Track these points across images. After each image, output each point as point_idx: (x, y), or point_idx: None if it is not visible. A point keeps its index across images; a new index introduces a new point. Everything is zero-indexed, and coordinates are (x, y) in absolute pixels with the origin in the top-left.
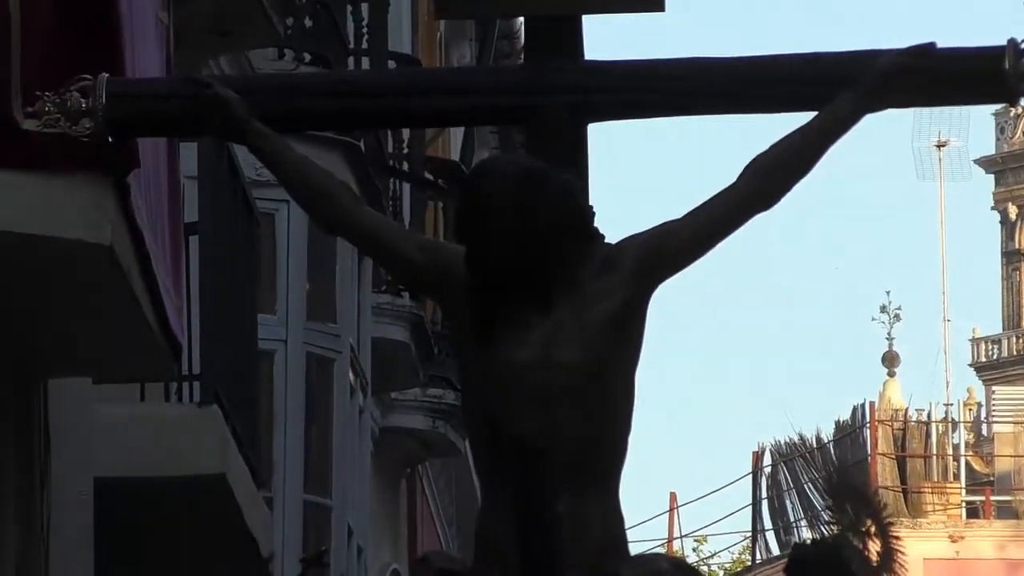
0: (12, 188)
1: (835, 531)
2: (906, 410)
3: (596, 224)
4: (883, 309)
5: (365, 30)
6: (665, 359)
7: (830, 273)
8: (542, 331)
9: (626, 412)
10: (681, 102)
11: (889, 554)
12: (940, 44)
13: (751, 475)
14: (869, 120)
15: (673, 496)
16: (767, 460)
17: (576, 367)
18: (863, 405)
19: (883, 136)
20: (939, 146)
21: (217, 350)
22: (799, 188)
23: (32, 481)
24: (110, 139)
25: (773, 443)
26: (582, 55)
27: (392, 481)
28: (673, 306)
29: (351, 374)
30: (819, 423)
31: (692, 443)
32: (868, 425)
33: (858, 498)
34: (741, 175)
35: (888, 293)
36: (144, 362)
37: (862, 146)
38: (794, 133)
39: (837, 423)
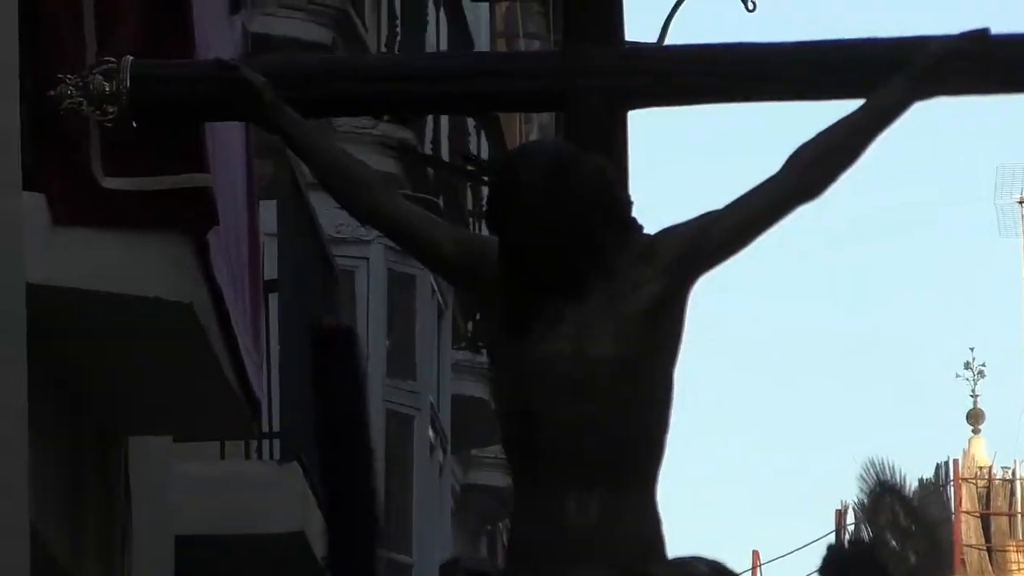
0: (92, 246)
1: (872, 531)
2: (990, 468)
3: (634, 214)
4: (967, 366)
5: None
6: (747, 414)
7: (914, 330)
8: (575, 323)
9: (663, 409)
10: (723, 88)
11: (926, 553)
12: (995, 30)
13: (834, 533)
14: (952, 177)
15: (756, 555)
16: (850, 518)
17: (610, 360)
18: (947, 463)
19: (966, 192)
20: (1021, 202)
21: (297, 407)
22: (884, 249)
23: (113, 538)
24: (134, 124)
25: (856, 500)
26: (622, 39)
27: (472, 538)
28: (751, 360)
29: (431, 431)
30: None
31: (775, 501)
32: (952, 483)
33: (896, 497)
34: (784, 166)
35: (972, 350)
36: (224, 420)
37: (944, 201)
38: (840, 122)
39: (921, 481)
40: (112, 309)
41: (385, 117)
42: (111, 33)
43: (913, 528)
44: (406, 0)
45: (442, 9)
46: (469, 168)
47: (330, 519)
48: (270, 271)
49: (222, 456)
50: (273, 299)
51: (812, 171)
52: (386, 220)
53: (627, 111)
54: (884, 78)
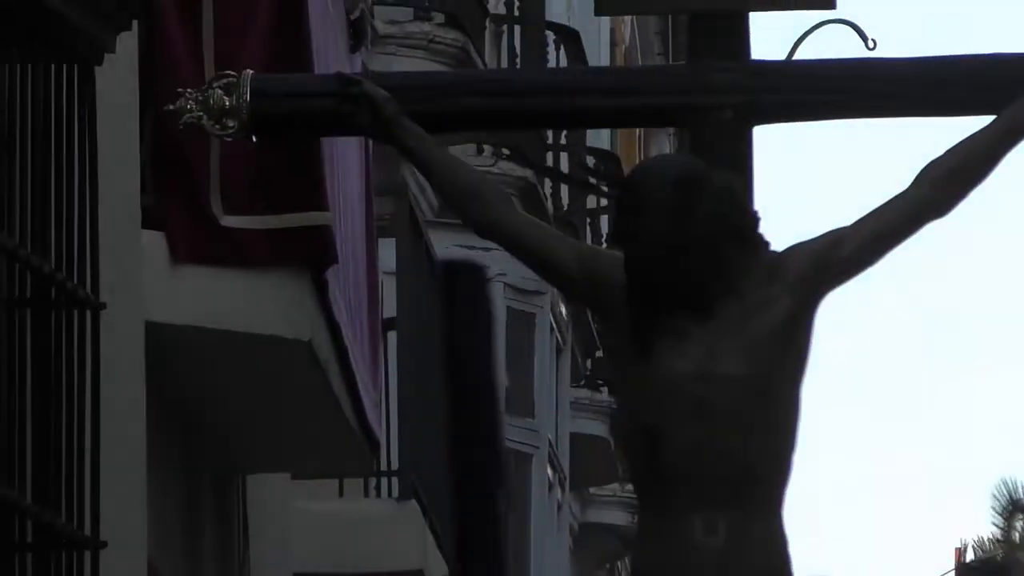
0: (211, 284)
1: (1004, 550)
2: None
3: (761, 230)
4: None
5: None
6: (865, 448)
7: None
8: (702, 342)
9: (792, 428)
10: (850, 104)
11: None
12: None
13: (954, 572)
14: None
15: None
16: (969, 556)
17: (738, 380)
18: None
19: None
20: None
21: (415, 445)
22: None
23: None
24: (253, 139)
25: (976, 539)
26: (748, 54)
27: None
28: (875, 393)
29: (549, 469)
30: None
31: (892, 538)
32: None
33: None
34: (914, 182)
35: None
36: (342, 457)
37: None
38: (971, 138)
39: None
40: (231, 347)
41: (505, 153)
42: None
43: None
44: (525, 36)
45: (562, 46)
46: (593, 181)
47: (454, 457)
48: (389, 309)
49: (340, 494)
50: (392, 337)
51: (942, 187)
52: (504, 234)
53: (753, 127)
54: (1014, 94)
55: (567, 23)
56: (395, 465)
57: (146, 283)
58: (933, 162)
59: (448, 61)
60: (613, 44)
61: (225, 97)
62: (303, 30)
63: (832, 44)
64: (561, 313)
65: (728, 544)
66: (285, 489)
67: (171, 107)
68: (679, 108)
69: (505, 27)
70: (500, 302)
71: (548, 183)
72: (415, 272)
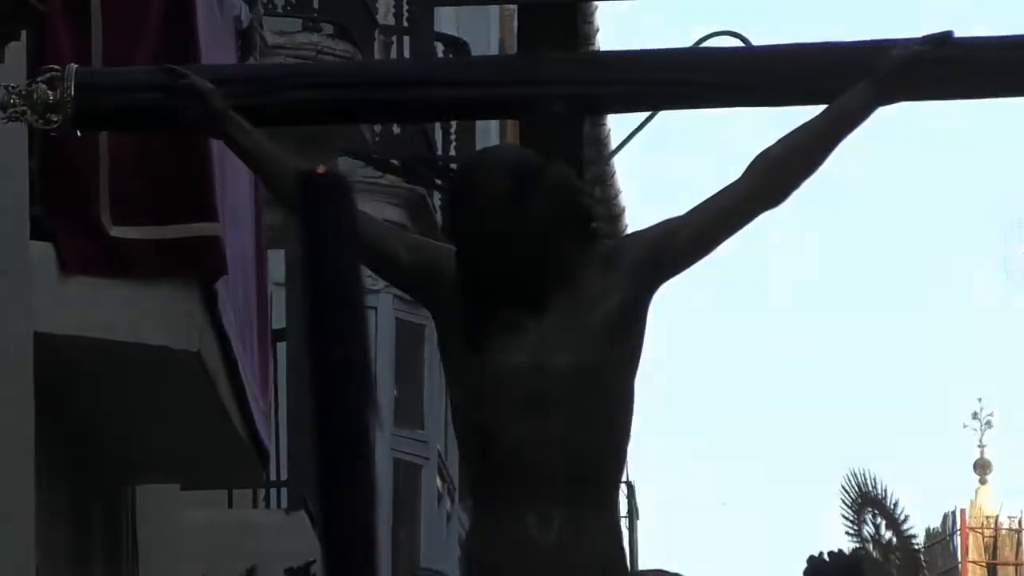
0: (101, 295)
1: (854, 544)
2: (997, 517)
3: (595, 222)
4: (975, 416)
5: (453, 138)
6: (743, 460)
7: (920, 379)
8: (536, 335)
9: (626, 420)
10: (684, 95)
11: (909, 566)
12: (964, 33)
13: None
14: (960, 223)
15: None
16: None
17: (571, 372)
18: (954, 512)
19: (975, 239)
20: None
21: (304, 456)
22: (891, 298)
23: None
24: (78, 133)
25: (839, 513)
26: (579, 46)
27: None
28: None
29: (439, 479)
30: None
31: (772, 548)
32: (959, 532)
33: (878, 510)
34: (746, 171)
35: (980, 400)
36: (232, 468)
37: (953, 250)
38: (802, 128)
39: (928, 530)
40: (120, 358)
41: (394, 164)
42: None
43: (894, 541)
44: (415, 47)
45: (451, 57)
46: (423, 171)
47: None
48: (278, 320)
49: (230, 505)
50: (281, 348)
51: (774, 177)
52: None
53: (586, 118)
54: (848, 84)
55: (456, 33)
56: (284, 476)
57: (35, 294)
58: (765, 152)
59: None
60: (503, 53)
61: (49, 91)
62: (192, 38)
63: None
64: None
65: (562, 540)
66: (174, 499)
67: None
68: (512, 100)
69: (395, 38)
70: (389, 314)
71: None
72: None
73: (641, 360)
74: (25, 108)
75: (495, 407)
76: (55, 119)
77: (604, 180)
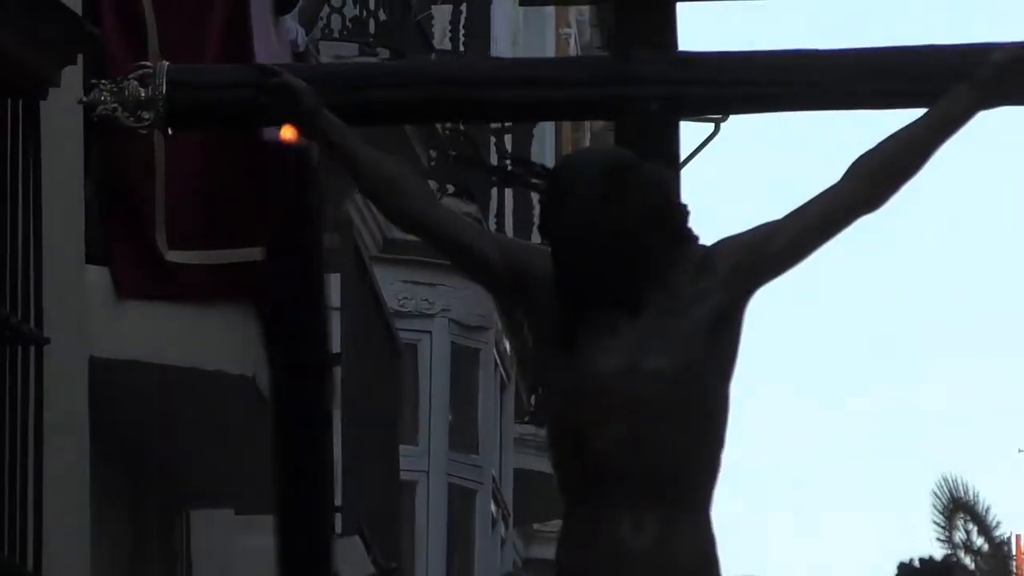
0: (156, 319)
1: (945, 550)
2: None
3: (690, 223)
4: None
5: (508, 162)
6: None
7: (966, 409)
8: (630, 337)
9: (720, 425)
10: (779, 97)
11: (1002, 573)
12: None
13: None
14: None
15: None
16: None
17: (666, 375)
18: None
19: None
20: None
21: (359, 481)
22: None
23: None
24: (170, 131)
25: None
26: (674, 46)
27: None
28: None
29: (493, 505)
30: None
31: (833, 548)
32: (1015, 559)
33: (970, 516)
34: (845, 175)
35: None
36: None
37: None
38: (902, 131)
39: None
40: (176, 382)
41: (450, 189)
42: None
43: (986, 547)
44: None
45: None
46: (519, 173)
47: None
48: (333, 344)
49: None
50: (336, 372)
51: (873, 181)
52: (427, 229)
53: (682, 118)
54: (947, 87)
55: (513, 55)
56: (339, 501)
57: (91, 318)
58: (865, 155)
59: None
60: None
61: (141, 88)
62: (249, 61)
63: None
64: (505, 349)
65: (655, 543)
66: (228, 524)
67: (84, 99)
68: (604, 100)
69: (451, 60)
70: (444, 338)
71: (494, 219)
72: (359, 308)
73: (736, 365)
74: (116, 105)
75: (589, 409)
76: (147, 116)
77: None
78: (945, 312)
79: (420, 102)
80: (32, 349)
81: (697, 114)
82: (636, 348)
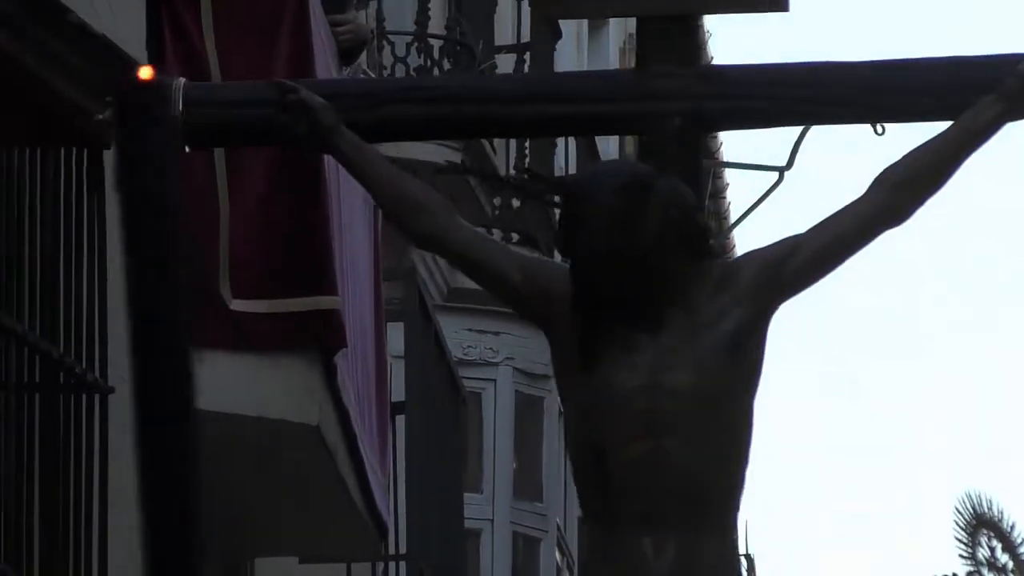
0: (220, 368)
1: (968, 567)
2: None
3: (711, 239)
4: None
5: (524, 175)
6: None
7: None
8: (652, 354)
9: (744, 443)
10: (805, 111)
11: None
12: None
13: None
14: None
15: None
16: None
17: (688, 392)
18: None
19: None
20: None
21: (424, 529)
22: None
23: None
24: (187, 149)
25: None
26: (699, 59)
27: None
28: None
29: (558, 553)
30: None
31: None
32: None
33: (994, 532)
34: (870, 188)
35: None
36: (350, 541)
37: None
38: (928, 144)
39: None
40: (240, 431)
41: (514, 238)
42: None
43: (1011, 565)
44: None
45: None
46: (533, 186)
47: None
48: (397, 393)
49: None
50: (400, 421)
51: (899, 194)
52: (447, 247)
53: (703, 134)
54: (974, 99)
55: None
56: (403, 549)
57: None
58: (890, 168)
59: (456, 145)
60: None
61: None
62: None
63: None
64: None
65: (678, 566)
66: (293, 573)
67: (100, 117)
68: (625, 115)
69: (469, 76)
70: (508, 386)
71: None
72: (424, 356)
73: (760, 382)
74: None
75: (610, 427)
76: None
77: (725, 253)
78: (962, 319)
79: (440, 119)
80: (96, 398)
81: (719, 130)
82: (657, 365)
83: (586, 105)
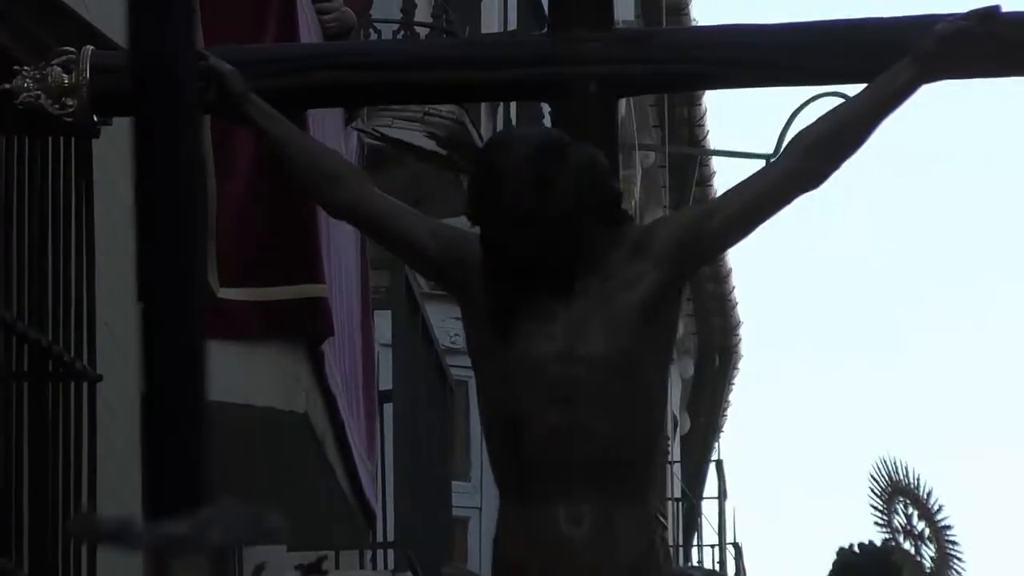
0: (209, 357)
1: (884, 535)
2: None
3: (624, 205)
4: None
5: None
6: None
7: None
8: (565, 321)
9: (657, 410)
10: (720, 74)
11: (944, 558)
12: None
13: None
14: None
15: None
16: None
17: (602, 359)
18: None
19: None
20: None
21: (411, 517)
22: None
23: None
24: (95, 118)
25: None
26: (612, 24)
27: None
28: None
29: None
30: None
31: (773, 539)
32: None
33: (910, 500)
34: (784, 152)
35: None
36: (338, 529)
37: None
38: (843, 107)
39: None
40: (227, 419)
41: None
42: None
43: (927, 532)
44: (521, 109)
45: None
46: (444, 152)
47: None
48: (385, 381)
49: (336, 566)
50: (388, 409)
51: (815, 156)
52: (359, 216)
53: (620, 98)
54: (890, 61)
55: None
56: (391, 537)
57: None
58: (805, 131)
59: (442, 132)
60: None
61: (64, 75)
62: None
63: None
64: None
65: (594, 534)
66: (281, 561)
67: (7, 86)
68: (543, 80)
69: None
70: None
71: None
72: (411, 344)
73: (673, 350)
74: (39, 92)
75: (524, 396)
76: (70, 104)
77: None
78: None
79: (353, 85)
80: (85, 386)
81: (637, 94)
82: (571, 333)
83: (503, 70)
